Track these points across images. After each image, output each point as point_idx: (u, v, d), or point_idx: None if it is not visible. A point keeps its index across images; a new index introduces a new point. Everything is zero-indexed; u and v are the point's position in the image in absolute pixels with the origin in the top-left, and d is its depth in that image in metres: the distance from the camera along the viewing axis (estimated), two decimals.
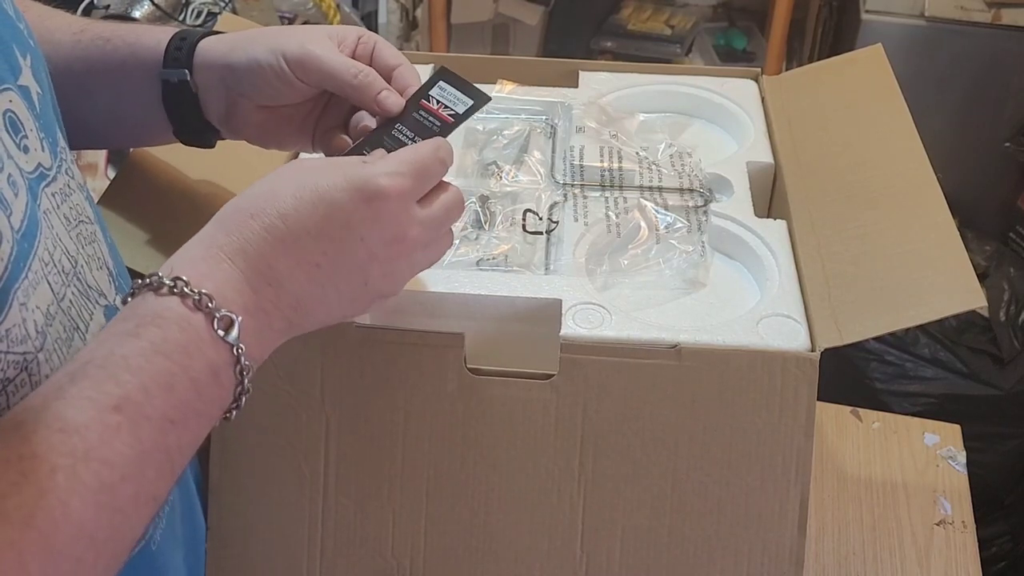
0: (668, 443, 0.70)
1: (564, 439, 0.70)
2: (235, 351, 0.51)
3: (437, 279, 0.73)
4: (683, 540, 0.71)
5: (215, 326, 0.50)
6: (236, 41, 0.69)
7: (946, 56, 1.87)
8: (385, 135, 0.66)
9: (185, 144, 0.75)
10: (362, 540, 0.73)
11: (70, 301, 0.55)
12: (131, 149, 0.86)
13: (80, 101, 0.69)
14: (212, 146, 0.75)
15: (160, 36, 0.71)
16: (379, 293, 0.60)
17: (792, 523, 0.70)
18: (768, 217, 0.81)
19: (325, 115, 0.71)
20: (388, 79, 0.68)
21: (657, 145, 0.88)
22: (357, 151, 0.66)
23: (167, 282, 0.50)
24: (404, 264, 0.60)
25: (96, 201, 0.79)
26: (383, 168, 0.57)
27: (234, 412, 0.53)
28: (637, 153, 0.87)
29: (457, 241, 0.78)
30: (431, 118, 0.67)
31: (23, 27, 0.58)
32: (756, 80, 0.97)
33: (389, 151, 0.63)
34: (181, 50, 0.70)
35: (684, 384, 0.69)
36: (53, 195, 0.56)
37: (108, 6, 1.57)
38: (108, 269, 0.61)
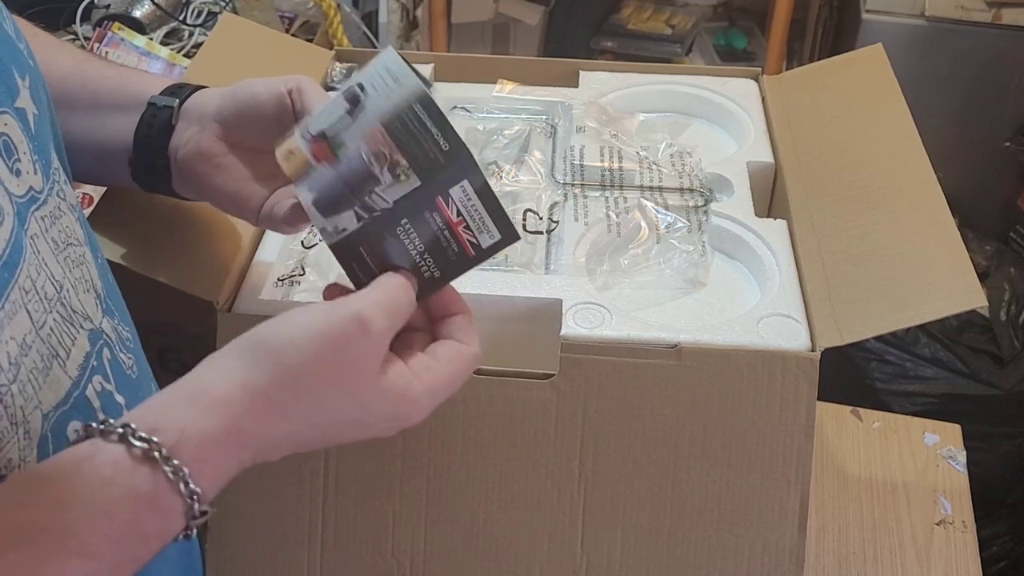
0: (668, 443, 0.70)
1: (564, 439, 0.70)
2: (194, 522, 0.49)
3: None
4: (683, 540, 0.71)
5: (188, 511, 0.48)
6: (222, 91, 0.69)
7: (946, 56, 1.87)
8: (388, 234, 0.58)
9: (136, 180, 0.71)
10: (362, 540, 0.73)
11: (50, 328, 0.54)
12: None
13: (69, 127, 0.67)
14: (155, 190, 0.71)
15: (157, 82, 0.71)
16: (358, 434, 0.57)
17: (792, 523, 0.70)
18: (768, 217, 0.81)
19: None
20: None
21: (657, 145, 0.88)
22: (353, 251, 0.59)
23: (168, 464, 0.47)
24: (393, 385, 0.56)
25: (96, 199, 0.78)
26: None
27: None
28: (637, 153, 0.87)
29: None
30: (449, 237, 0.58)
31: (23, 47, 0.57)
32: (756, 80, 0.97)
33: (387, 264, 0.58)
34: (181, 88, 0.70)
35: (684, 384, 0.69)
36: (42, 218, 0.55)
37: (108, 6, 1.57)
38: (96, 291, 0.60)
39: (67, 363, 0.55)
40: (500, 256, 0.77)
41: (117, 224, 0.76)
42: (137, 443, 0.46)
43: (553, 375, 0.69)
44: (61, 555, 0.44)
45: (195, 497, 0.48)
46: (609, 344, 0.69)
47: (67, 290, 0.56)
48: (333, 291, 0.59)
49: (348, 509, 0.73)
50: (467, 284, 0.73)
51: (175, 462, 0.47)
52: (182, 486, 0.47)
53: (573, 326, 0.70)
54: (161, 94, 0.69)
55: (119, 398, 0.59)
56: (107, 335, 0.59)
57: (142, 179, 0.70)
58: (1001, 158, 1.91)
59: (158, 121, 0.68)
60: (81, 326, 0.57)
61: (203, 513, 0.48)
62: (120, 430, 0.47)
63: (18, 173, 0.53)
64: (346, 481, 0.72)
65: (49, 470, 0.46)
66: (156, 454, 0.47)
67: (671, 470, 0.70)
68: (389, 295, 0.56)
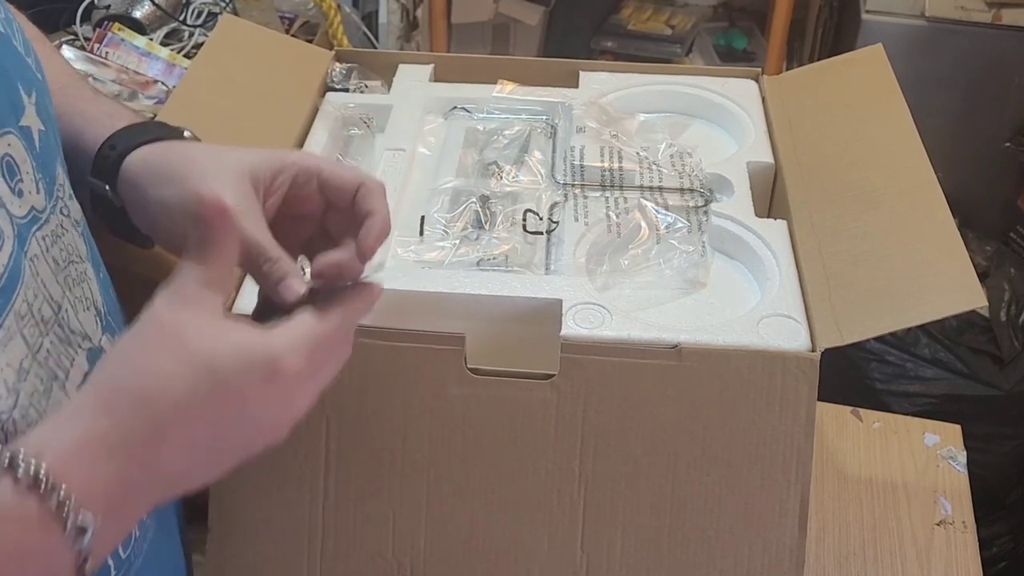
0: (668, 443, 0.70)
1: (564, 439, 0.70)
2: (81, 556, 0.46)
3: (437, 279, 0.73)
4: (683, 540, 0.71)
5: (69, 533, 0.46)
6: (157, 169, 0.63)
7: (946, 56, 1.87)
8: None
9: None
10: (362, 540, 0.73)
11: (47, 351, 0.53)
12: None
13: None
14: (150, 247, 0.68)
15: (102, 132, 0.65)
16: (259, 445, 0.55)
17: (792, 523, 0.70)
18: (768, 217, 0.81)
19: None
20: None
21: (657, 145, 0.88)
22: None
23: (31, 475, 0.45)
24: (288, 413, 0.55)
25: None
26: (284, 342, 0.52)
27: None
28: (637, 153, 0.87)
29: (457, 241, 0.78)
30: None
31: (31, 62, 0.57)
32: (756, 80, 0.97)
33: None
34: (108, 160, 0.64)
35: (684, 384, 0.69)
36: (43, 238, 0.54)
37: (108, 6, 1.57)
38: (96, 308, 0.60)
39: (67, 385, 0.55)
40: (500, 256, 0.77)
41: None
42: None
43: (553, 375, 0.69)
44: None
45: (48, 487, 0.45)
46: (609, 344, 0.69)
47: (65, 310, 0.56)
48: None
49: (348, 509, 0.73)
50: (467, 284, 0.73)
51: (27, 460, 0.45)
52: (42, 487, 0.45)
53: (573, 326, 0.70)
54: (92, 173, 0.64)
55: None
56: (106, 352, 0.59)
57: (130, 241, 0.68)
58: (1001, 158, 1.91)
59: (110, 207, 0.65)
60: (80, 346, 0.57)
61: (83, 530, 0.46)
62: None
63: (20, 194, 0.52)
64: (346, 481, 0.72)
65: None
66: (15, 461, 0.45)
67: (671, 470, 0.70)
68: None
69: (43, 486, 0.44)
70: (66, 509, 0.45)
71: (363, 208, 0.59)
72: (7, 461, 0.45)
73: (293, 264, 0.58)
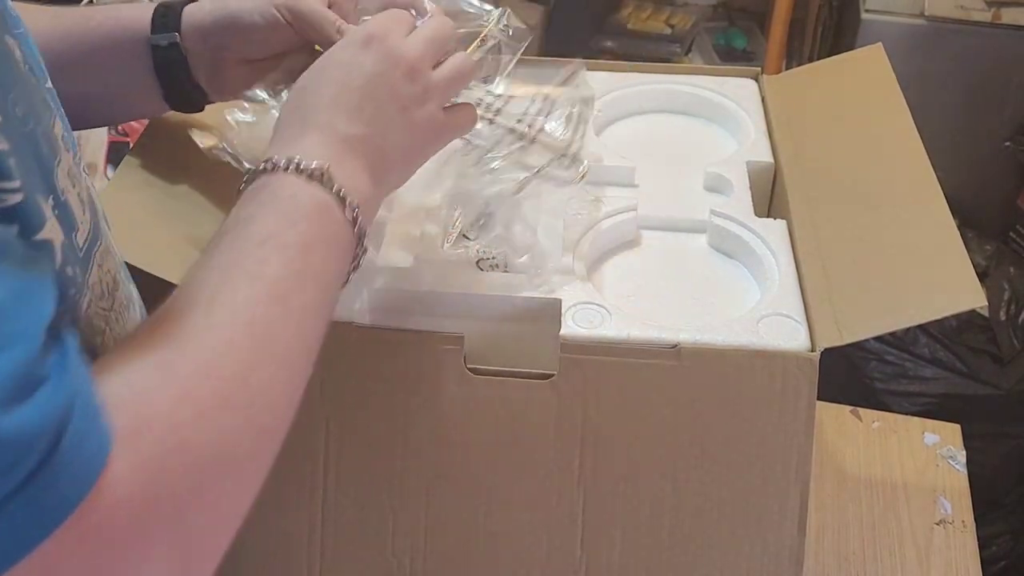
0: (668, 443, 0.70)
1: (564, 439, 0.70)
2: (356, 221, 0.58)
3: (437, 279, 0.73)
4: (683, 540, 0.71)
5: (340, 203, 0.57)
6: (220, 1, 0.73)
7: (946, 56, 1.87)
8: None
9: (175, 109, 0.78)
10: (362, 540, 0.73)
11: (121, 281, 0.59)
12: (128, 141, 0.86)
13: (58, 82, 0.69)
14: (201, 110, 0.78)
15: (143, 10, 0.74)
16: (427, 127, 0.65)
17: (792, 523, 0.70)
18: (768, 217, 0.81)
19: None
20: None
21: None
22: None
23: (308, 168, 0.56)
24: (432, 105, 0.65)
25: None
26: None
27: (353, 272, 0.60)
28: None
29: (455, 240, 0.78)
30: None
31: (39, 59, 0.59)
32: (756, 80, 0.97)
33: None
34: (167, 16, 0.73)
35: (684, 384, 0.69)
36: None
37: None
38: (120, 262, 0.63)
39: (136, 309, 0.61)
40: (500, 257, 0.77)
41: (117, 221, 0.76)
42: (303, 166, 0.56)
43: (553, 375, 0.69)
44: (260, 250, 0.52)
45: (342, 195, 0.56)
46: (609, 344, 0.69)
47: (114, 251, 0.60)
48: None
49: (348, 509, 0.73)
50: (467, 284, 0.73)
51: (313, 165, 0.56)
52: (332, 187, 0.56)
53: (573, 326, 0.70)
54: (155, 31, 0.73)
55: None
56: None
57: (182, 108, 0.78)
58: (1001, 158, 1.91)
59: (173, 61, 0.73)
60: (130, 280, 0.62)
61: (355, 220, 0.57)
62: (283, 164, 0.56)
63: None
64: (346, 481, 0.72)
65: (241, 205, 0.55)
66: (304, 169, 0.56)
67: (671, 470, 0.70)
68: None
69: (322, 179, 0.56)
70: (343, 195, 0.57)
71: None
72: (295, 166, 0.56)
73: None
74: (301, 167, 0.56)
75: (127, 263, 0.68)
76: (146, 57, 0.73)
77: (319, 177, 0.56)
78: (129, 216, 0.76)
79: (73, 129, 0.63)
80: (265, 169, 0.56)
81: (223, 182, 0.81)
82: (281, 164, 0.56)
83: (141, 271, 0.72)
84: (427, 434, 0.71)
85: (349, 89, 0.61)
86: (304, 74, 0.63)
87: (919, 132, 0.82)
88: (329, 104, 0.61)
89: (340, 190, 0.56)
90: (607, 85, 0.95)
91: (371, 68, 0.62)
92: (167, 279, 0.71)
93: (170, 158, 0.81)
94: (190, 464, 0.43)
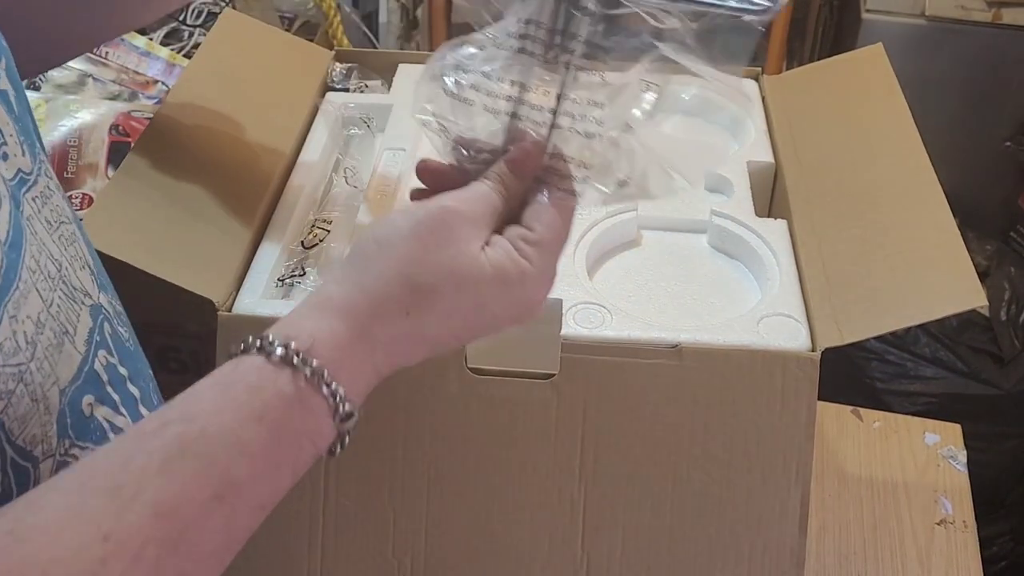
0: (668, 443, 0.70)
1: (564, 439, 0.70)
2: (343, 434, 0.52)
3: None
4: (683, 540, 0.71)
5: (332, 410, 0.50)
6: None
7: (946, 56, 1.87)
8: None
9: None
10: (362, 540, 0.73)
11: (58, 306, 0.54)
12: (129, 139, 0.84)
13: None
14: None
15: None
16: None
17: (792, 523, 0.70)
18: (768, 217, 0.81)
19: None
20: None
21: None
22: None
23: (307, 366, 0.49)
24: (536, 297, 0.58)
25: (96, 198, 0.78)
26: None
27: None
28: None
29: None
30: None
31: None
32: (756, 80, 0.97)
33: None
34: None
35: (684, 384, 0.69)
36: (34, 199, 0.55)
37: None
38: (89, 267, 0.61)
39: (75, 339, 0.56)
40: None
41: (118, 221, 0.76)
42: (277, 350, 0.48)
43: (553, 375, 0.69)
44: (224, 456, 0.46)
45: (337, 396, 0.50)
46: (609, 344, 0.69)
47: (65, 268, 0.57)
48: (419, 195, 0.60)
49: (348, 509, 0.73)
50: None
51: (313, 363, 0.49)
52: (324, 387, 0.49)
53: (573, 326, 0.70)
54: None
55: (122, 370, 0.60)
56: (105, 309, 0.60)
57: None
58: (1001, 158, 1.91)
59: None
60: (82, 302, 0.58)
61: (349, 416, 0.50)
62: (258, 343, 0.49)
63: (5, 156, 0.53)
64: (346, 481, 0.72)
65: (195, 388, 0.48)
66: (294, 358, 0.49)
67: (671, 470, 0.70)
68: (475, 191, 0.57)
69: (320, 380, 0.49)
70: (338, 397, 0.50)
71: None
72: (292, 357, 0.49)
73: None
74: (307, 365, 0.49)
75: (134, 265, 0.67)
76: None
77: (317, 383, 0.49)
78: (129, 216, 0.76)
79: (81, 53, 0.61)
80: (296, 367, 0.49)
81: (223, 182, 0.81)
82: (277, 353, 0.49)
83: (140, 271, 0.72)
84: (428, 434, 0.71)
85: (468, 328, 0.56)
86: (439, 271, 0.54)
87: (919, 132, 0.82)
88: (435, 324, 0.54)
89: (337, 393, 0.50)
90: None
91: (504, 315, 0.56)
92: (167, 279, 0.72)
93: (170, 158, 0.81)
94: None
